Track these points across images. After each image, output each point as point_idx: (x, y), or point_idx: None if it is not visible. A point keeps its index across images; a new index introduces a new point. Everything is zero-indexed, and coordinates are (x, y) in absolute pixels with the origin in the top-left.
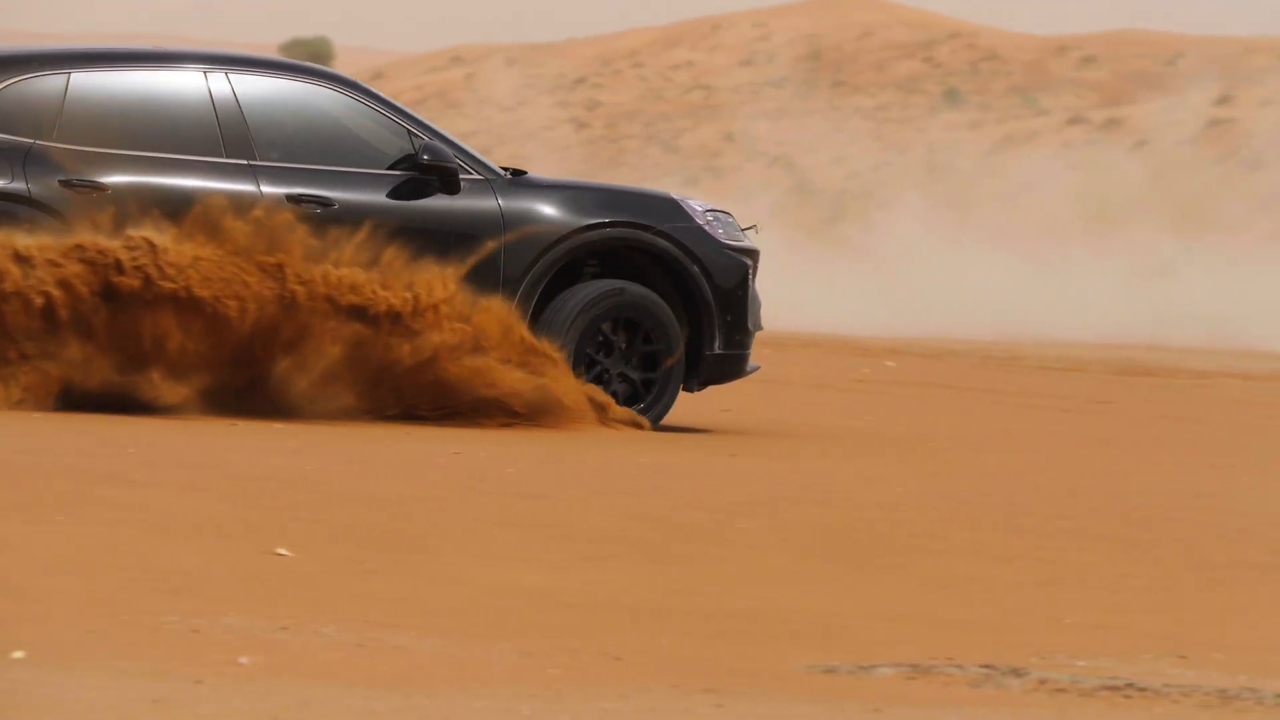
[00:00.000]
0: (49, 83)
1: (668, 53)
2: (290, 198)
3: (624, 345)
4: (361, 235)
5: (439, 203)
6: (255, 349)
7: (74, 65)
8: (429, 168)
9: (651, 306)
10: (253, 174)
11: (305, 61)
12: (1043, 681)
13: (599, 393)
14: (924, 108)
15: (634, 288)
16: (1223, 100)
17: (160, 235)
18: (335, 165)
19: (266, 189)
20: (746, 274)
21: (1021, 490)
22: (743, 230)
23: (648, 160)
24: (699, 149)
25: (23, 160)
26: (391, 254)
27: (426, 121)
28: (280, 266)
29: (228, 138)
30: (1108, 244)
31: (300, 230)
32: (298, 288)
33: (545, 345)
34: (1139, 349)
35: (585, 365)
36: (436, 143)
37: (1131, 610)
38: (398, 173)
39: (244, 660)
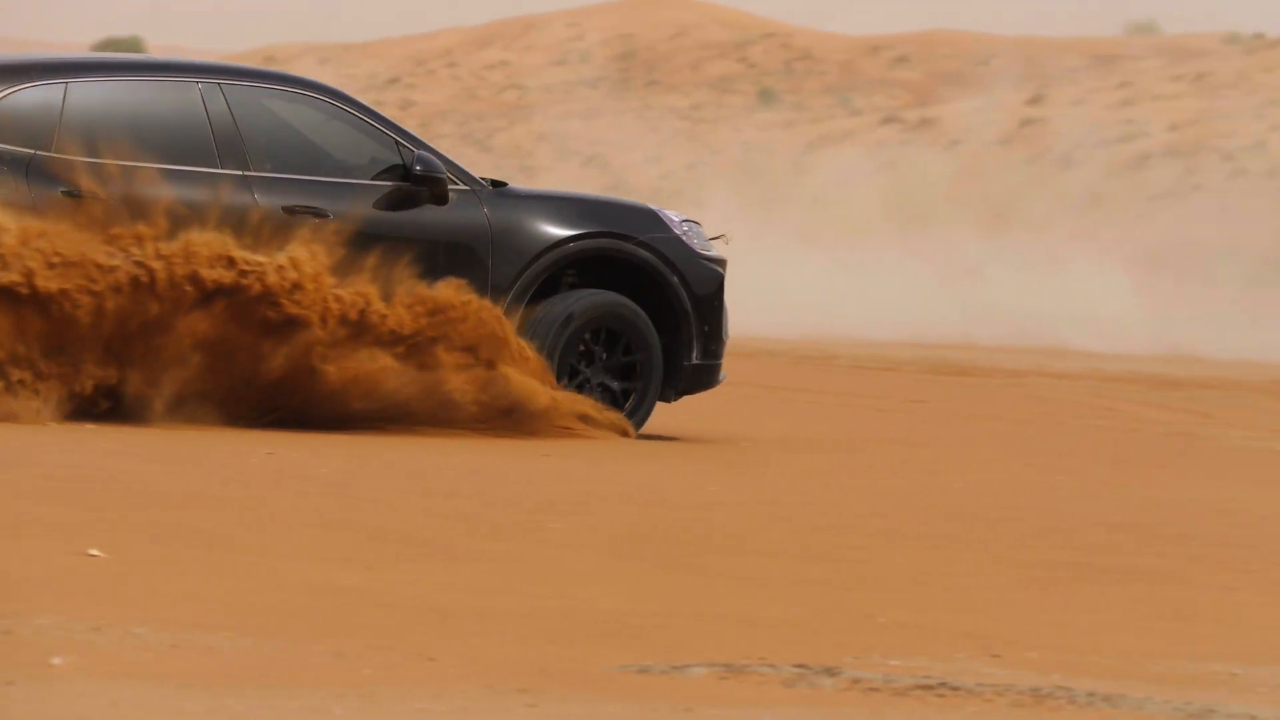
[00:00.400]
0: (48, 93)
1: (481, 52)
2: (286, 209)
3: (605, 355)
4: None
5: (429, 214)
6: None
7: (71, 75)
8: (421, 178)
9: (631, 317)
10: (247, 185)
11: (289, 72)
12: (856, 681)
13: (583, 400)
14: (738, 107)
15: (616, 298)
16: (1034, 100)
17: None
18: (326, 176)
19: (262, 200)
20: (721, 284)
21: (834, 490)
22: (710, 240)
23: (462, 160)
24: (513, 148)
25: (25, 170)
26: (379, 265)
27: (411, 132)
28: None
29: (222, 148)
30: (919, 243)
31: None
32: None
33: (524, 345)
34: (952, 348)
35: (569, 374)
36: (427, 154)
37: (944, 609)
38: (387, 183)
39: (56, 661)
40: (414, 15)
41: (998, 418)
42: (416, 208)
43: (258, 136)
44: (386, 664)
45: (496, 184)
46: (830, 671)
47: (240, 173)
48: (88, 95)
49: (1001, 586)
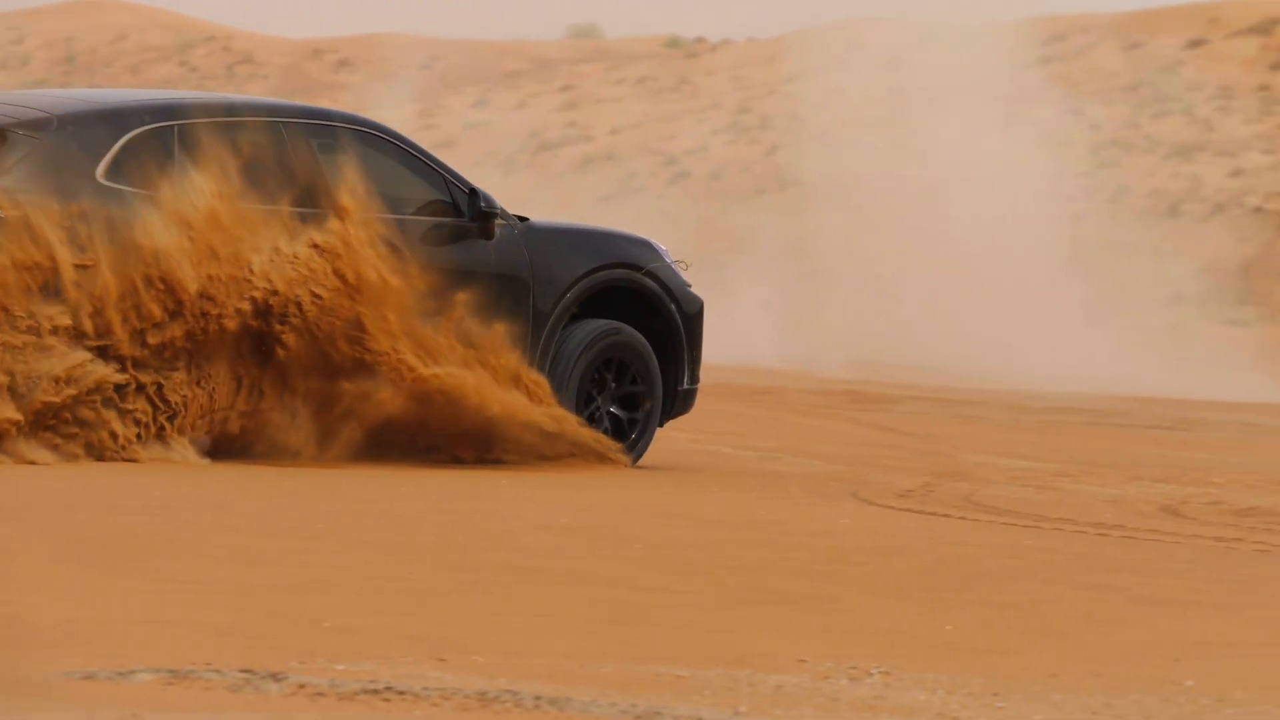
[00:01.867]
0: (162, 134)
1: None
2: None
3: (614, 384)
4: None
5: (481, 249)
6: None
7: (177, 118)
8: (485, 214)
9: (639, 347)
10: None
11: (348, 111)
12: (302, 686)
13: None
14: None
15: (627, 329)
16: (478, 103)
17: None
18: (391, 214)
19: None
20: (703, 310)
21: (280, 494)
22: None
23: None
24: None
25: None
26: (452, 301)
27: (452, 169)
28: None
29: (315, 188)
30: None
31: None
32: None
33: (534, 377)
34: None
35: (584, 402)
36: (484, 191)
37: (390, 613)
38: (447, 219)
39: None
40: None
41: None
42: (466, 241)
43: (335, 175)
44: None
45: (521, 218)
46: (276, 677)
47: (328, 211)
48: (193, 138)
49: (446, 590)
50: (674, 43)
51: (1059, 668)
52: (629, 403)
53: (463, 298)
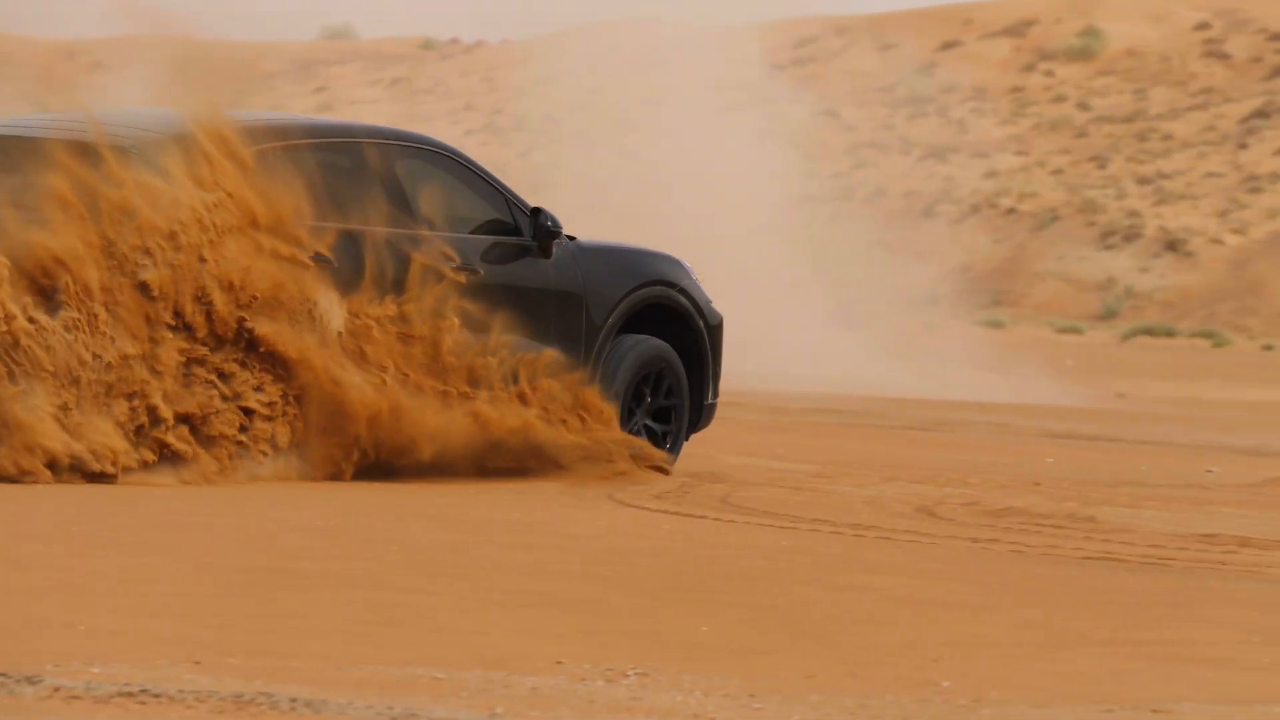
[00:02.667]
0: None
1: None
2: (455, 267)
3: (650, 398)
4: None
5: (543, 267)
6: None
7: (287, 138)
8: (552, 234)
9: (673, 362)
10: (418, 245)
11: (418, 133)
12: (57, 689)
13: (640, 442)
14: None
15: (663, 344)
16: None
17: None
18: (464, 233)
19: (429, 255)
20: (723, 325)
21: (31, 498)
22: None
23: None
24: None
25: None
26: (513, 318)
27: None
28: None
29: (399, 209)
30: None
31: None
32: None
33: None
34: None
35: (627, 415)
36: (548, 211)
37: (146, 616)
38: (511, 238)
39: None
40: None
41: None
42: (528, 259)
43: (416, 197)
44: None
45: (569, 236)
46: (31, 680)
47: (413, 232)
48: (302, 161)
49: (203, 593)
50: (428, 44)
51: (816, 669)
52: (662, 416)
53: (529, 317)
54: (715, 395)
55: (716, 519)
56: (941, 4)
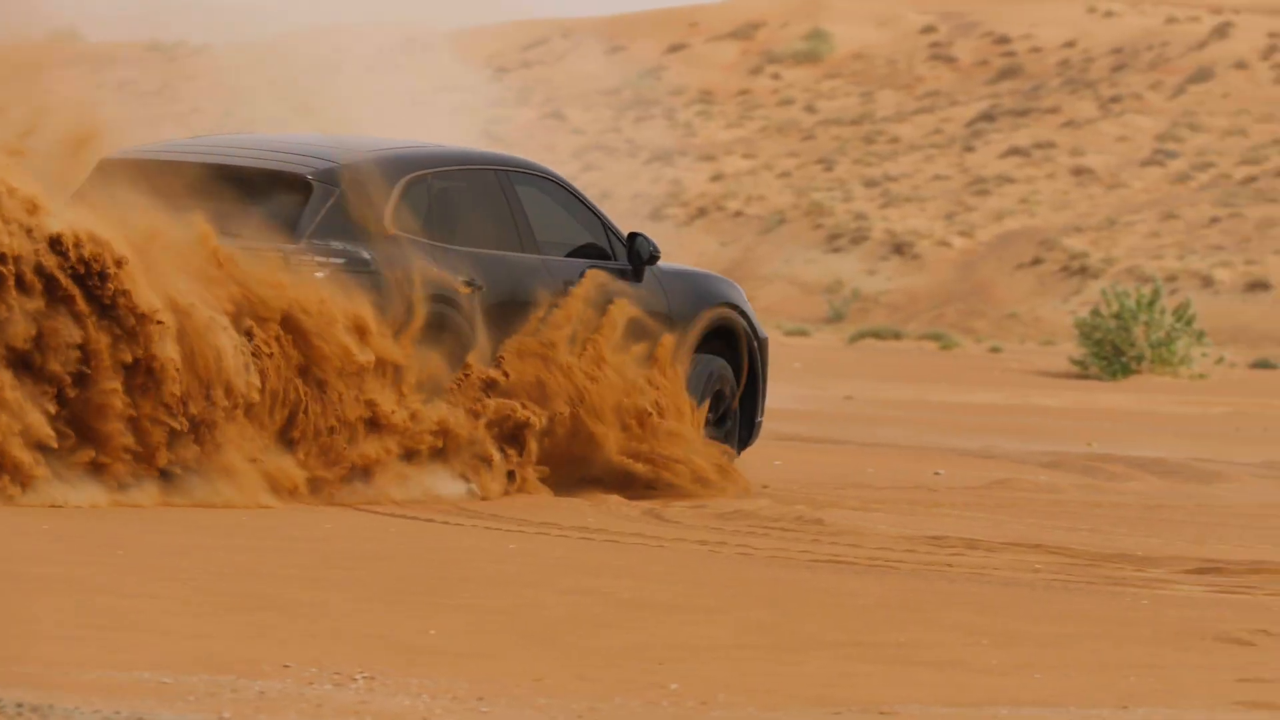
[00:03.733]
0: (422, 183)
1: None
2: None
3: (711, 415)
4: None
5: (637, 290)
6: None
7: (427, 166)
8: (651, 258)
9: (731, 381)
10: (544, 267)
11: (529, 159)
12: None
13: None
14: None
15: (725, 364)
16: None
17: None
18: (572, 256)
19: (552, 280)
20: (768, 345)
21: None
22: None
23: None
24: None
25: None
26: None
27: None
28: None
29: (522, 233)
30: None
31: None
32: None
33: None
34: None
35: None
36: (644, 235)
37: None
38: (611, 263)
39: None
40: None
41: None
42: (624, 283)
43: (533, 221)
44: None
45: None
46: None
47: (536, 256)
48: (438, 186)
49: None
50: (155, 47)
51: (544, 671)
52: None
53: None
54: (762, 413)
55: (444, 522)
56: (668, 6)
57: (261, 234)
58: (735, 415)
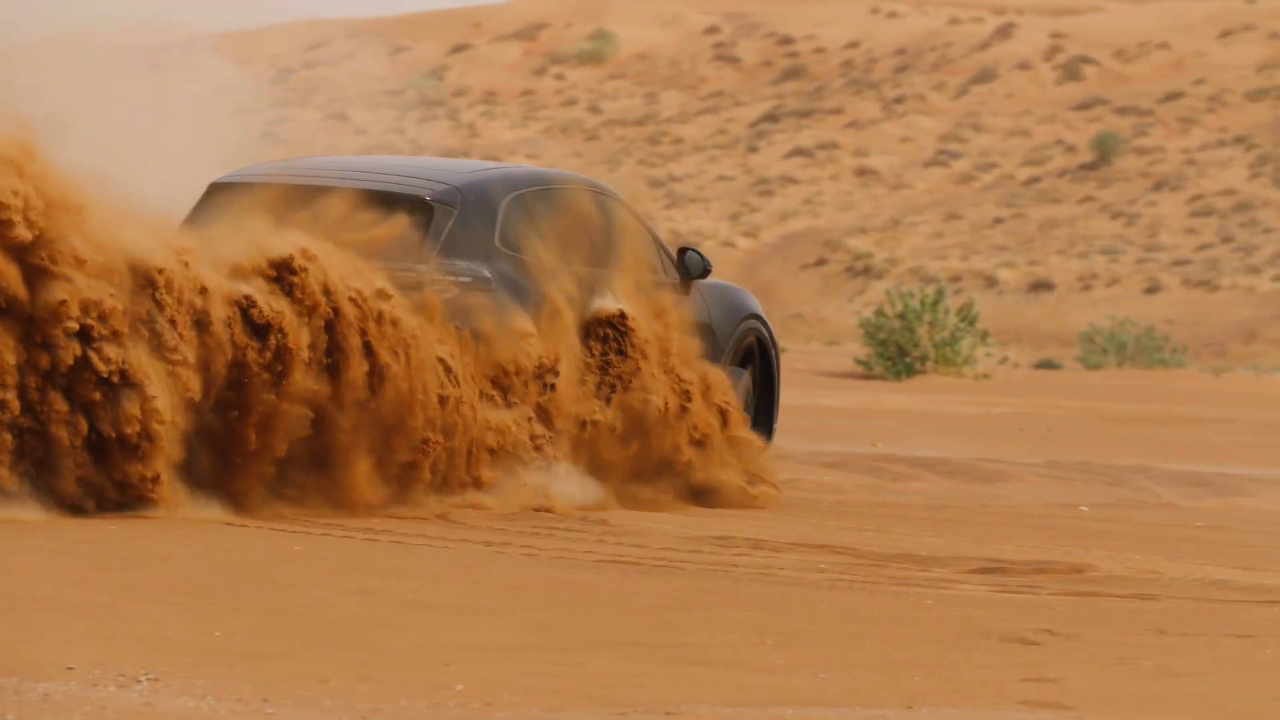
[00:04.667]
0: (520, 203)
1: None
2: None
3: None
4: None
5: (686, 303)
6: None
7: (521, 187)
8: (693, 272)
9: (751, 390)
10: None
11: (591, 178)
12: None
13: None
14: None
15: (747, 374)
16: None
17: None
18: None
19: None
20: (780, 356)
21: None
22: None
23: None
24: None
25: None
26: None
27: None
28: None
29: (604, 249)
30: None
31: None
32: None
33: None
34: None
35: None
36: (694, 249)
37: None
38: (665, 278)
39: None
40: None
41: None
42: (676, 296)
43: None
44: None
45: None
46: None
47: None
48: (531, 205)
49: None
50: None
51: (329, 673)
52: None
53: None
54: (776, 419)
55: (228, 524)
56: (452, 7)
57: (389, 255)
58: (757, 423)
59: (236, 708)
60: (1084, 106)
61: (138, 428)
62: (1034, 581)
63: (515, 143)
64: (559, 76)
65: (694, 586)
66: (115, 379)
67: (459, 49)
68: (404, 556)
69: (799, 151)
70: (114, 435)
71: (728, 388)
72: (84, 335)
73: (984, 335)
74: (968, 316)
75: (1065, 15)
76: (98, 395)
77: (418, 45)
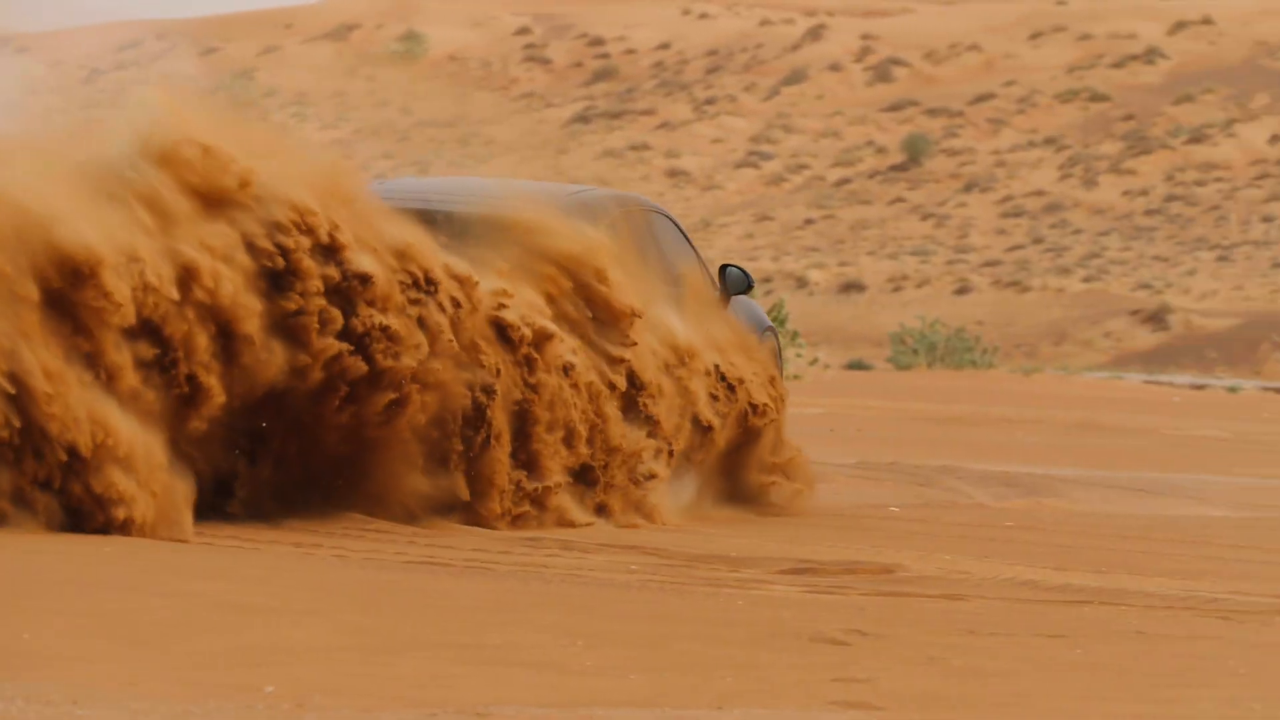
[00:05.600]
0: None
1: None
2: None
3: None
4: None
5: (724, 314)
6: None
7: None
8: (747, 288)
9: None
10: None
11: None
12: None
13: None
14: None
15: None
16: None
17: None
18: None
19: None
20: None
21: None
22: None
23: None
24: None
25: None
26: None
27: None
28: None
29: (676, 271)
30: None
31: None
32: None
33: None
34: None
35: None
36: (734, 265)
37: None
38: (711, 290)
39: None
40: None
41: None
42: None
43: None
44: None
45: None
46: None
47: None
48: (620, 227)
49: None
50: None
51: (139, 675)
52: None
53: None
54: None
55: (44, 530)
56: (263, 8)
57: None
58: None
59: (45, 711)
60: (894, 108)
61: None
62: (844, 582)
63: (327, 144)
64: (370, 77)
65: (505, 588)
66: None
67: (270, 50)
68: (216, 558)
69: (610, 153)
70: None
71: (783, 402)
72: None
73: (794, 336)
74: (778, 317)
75: (876, 17)
76: None
77: (228, 46)
